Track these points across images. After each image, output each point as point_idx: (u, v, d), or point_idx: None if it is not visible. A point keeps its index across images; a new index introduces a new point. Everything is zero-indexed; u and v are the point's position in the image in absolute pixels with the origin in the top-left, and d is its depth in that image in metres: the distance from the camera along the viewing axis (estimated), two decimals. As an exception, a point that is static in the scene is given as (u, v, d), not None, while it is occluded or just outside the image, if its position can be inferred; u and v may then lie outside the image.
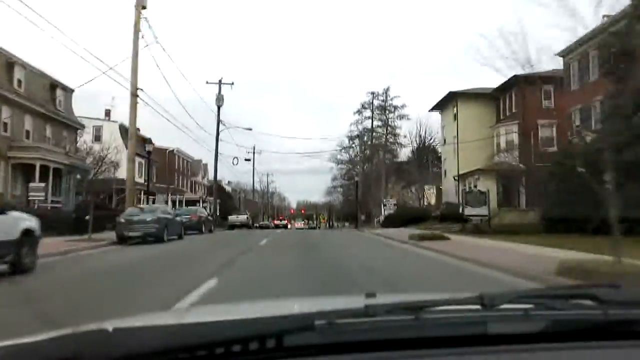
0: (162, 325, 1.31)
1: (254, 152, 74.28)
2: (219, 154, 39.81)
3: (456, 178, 36.26)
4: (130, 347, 0.94)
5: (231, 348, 0.95)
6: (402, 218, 34.70)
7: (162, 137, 73.53)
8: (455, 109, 37.78)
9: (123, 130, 47.79)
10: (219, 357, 0.95)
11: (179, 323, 1.38)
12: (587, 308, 1.17)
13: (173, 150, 62.08)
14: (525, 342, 1.04)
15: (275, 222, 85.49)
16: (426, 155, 62.90)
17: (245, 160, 44.92)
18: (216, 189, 42.78)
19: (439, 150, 64.08)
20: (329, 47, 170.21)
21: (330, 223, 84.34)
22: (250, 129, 42.40)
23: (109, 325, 1.05)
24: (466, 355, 1.01)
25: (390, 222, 35.53)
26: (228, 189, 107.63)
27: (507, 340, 1.04)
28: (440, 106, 41.78)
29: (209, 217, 28.55)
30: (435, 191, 33.40)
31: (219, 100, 39.68)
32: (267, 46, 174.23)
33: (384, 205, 39.32)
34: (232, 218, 42.96)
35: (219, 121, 39.94)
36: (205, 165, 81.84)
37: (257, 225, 76.11)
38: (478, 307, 1.10)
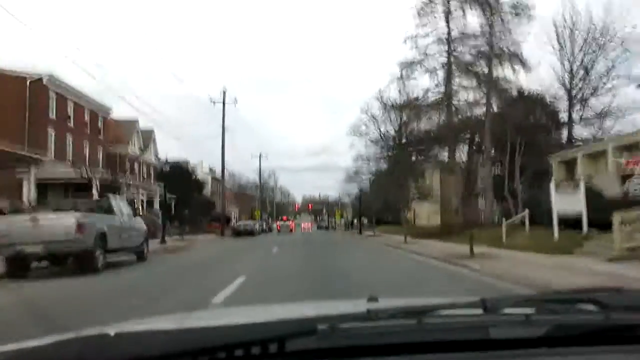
0: (163, 330, 1.26)
1: (223, 100, 43.11)
2: None
3: None
4: (132, 352, 0.93)
5: (233, 353, 0.94)
6: None
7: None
8: None
9: None
10: None
11: (180, 328, 1.35)
12: (589, 313, 1.14)
13: (41, 80, 30.10)
14: (528, 347, 1.02)
15: (279, 224, 68.73)
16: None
17: None
18: None
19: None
20: (334, 42, 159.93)
21: (359, 221, 50.78)
22: None
23: (111, 330, 1.05)
24: None
25: None
26: (205, 177, 78.27)
27: (509, 345, 1.02)
28: None
29: None
30: None
31: None
32: (270, 42, 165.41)
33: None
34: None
35: None
36: (150, 134, 50.33)
37: (234, 227, 45.57)
38: (480, 311, 1.10)
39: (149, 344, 0.99)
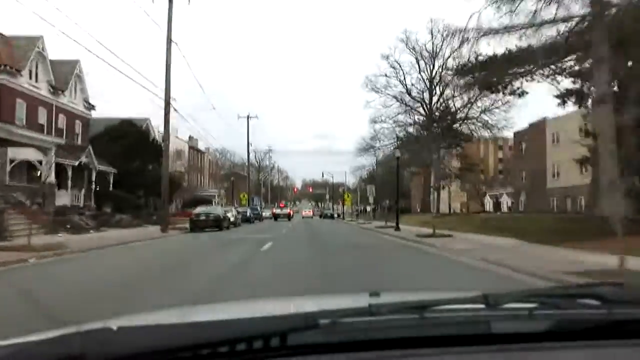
0: (166, 324, 1.28)
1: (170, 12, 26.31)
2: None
3: None
4: (134, 346, 0.94)
5: (235, 347, 0.94)
6: None
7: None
8: None
9: None
10: (222, 356, 0.94)
11: (182, 322, 1.36)
12: (592, 307, 1.14)
13: None
14: (530, 341, 1.02)
15: (275, 210, 59.71)
16: None
17: None
18: None
19: None
20: (334, 28, 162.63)
21: (396, 208, 31.00)
22: None
23: (113, 324, 1.05)
24: (470, 354, 1.00)
25: None
26: (181, 147, 63.32)
27: (512, 340, 1.02)
28: None
29: None
30: None
31: None
32: (270, 29, 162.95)
33: None
34: None
35: None
36: (72, 66, 33.23)
37: (192, 217, 29.24)
38: (482, 306, 1.10)
39: (152, 337, 0.99)
